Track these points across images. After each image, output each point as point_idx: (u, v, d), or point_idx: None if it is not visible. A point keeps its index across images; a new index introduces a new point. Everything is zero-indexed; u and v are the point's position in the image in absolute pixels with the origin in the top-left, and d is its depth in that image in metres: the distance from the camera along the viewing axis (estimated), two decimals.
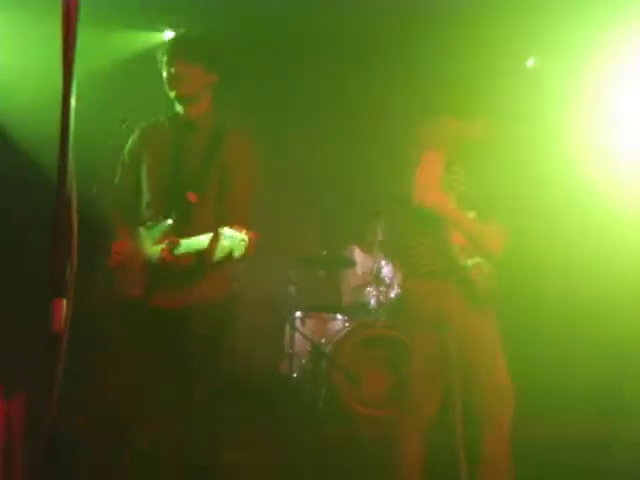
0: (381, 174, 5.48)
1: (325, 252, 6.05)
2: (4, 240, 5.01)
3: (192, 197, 3.37)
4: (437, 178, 3.42)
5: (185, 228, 3.21)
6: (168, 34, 6.83)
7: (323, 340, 5.66)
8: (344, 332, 5.54)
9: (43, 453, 1.87)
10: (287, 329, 5.86)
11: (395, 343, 5.40)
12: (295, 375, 5.72)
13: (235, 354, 5.80)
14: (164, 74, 3.31)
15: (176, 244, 3.19)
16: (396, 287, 5.78)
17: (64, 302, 1.82)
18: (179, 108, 3.44)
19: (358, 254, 6.09)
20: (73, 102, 1.84)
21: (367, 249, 6.05)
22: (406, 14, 5.99)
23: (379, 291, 5.76)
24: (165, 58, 3.30)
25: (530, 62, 6.29)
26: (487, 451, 3.38)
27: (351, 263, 6.10)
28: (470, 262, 3.41)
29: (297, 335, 5.73)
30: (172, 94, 3.33)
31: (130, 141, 3.56)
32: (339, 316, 5.86)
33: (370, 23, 6.05)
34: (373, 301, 5.77)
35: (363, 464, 4.38)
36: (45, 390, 1.79)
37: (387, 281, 5.77)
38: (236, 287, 5.77)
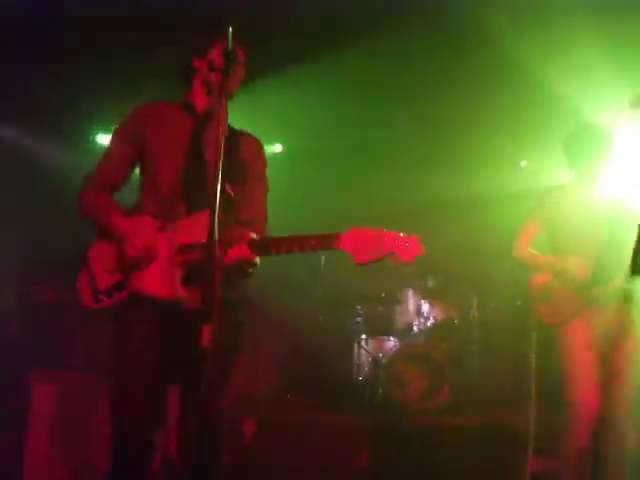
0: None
1: (383, 294, 6.32)
2: None
3: (229, 189, 2.42)
4: (525, 239, 3.57)
5: (227, 224, 2.28)
6: (277, 147, 6.79)
7: (381, 355, 5.99)
8: (395, 350, 5.89)
9: (193, 437, 1.95)
10: (355, 347, 6.17)
11: (429, 358, 5.73)
12: (361, 379, 6.08)
13: (321, 364, 6.12)
14: (225, 64, 2.13)
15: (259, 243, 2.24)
16: (432, 319, 6.14)
17: (211, 326, 1.83)
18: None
19: (407, 294, 6.38)
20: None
21: (414, 292, 6.35)
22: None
23: (419, 321, 6.20)
24: (233, 52, 2.13)
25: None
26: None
27: (401, 302, 6.36)
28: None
29: (362, 351, 6.12)
30: (228, 88, 2.23)
31: (127, 121, 2.61)
32: (392, 338, 6.17)
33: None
34: (415, 328, 6.20)
35: (406, 442, 4.52)
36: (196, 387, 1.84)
37: (425, 314, 6.21)
38: (321, 318, 6.05)
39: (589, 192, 3.44)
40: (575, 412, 3.24)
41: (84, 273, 2.51)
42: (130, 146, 2.57)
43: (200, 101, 2.59)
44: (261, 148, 2.72)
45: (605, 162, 3.43)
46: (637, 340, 3.11)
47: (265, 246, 2.24)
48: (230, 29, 2.13)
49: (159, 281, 2.34)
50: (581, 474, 3.16)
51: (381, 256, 2.07)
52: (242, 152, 2.61)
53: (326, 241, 2.14)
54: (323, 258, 6.30)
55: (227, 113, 2.07)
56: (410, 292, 6.38)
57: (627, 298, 2.78)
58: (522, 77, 5.03)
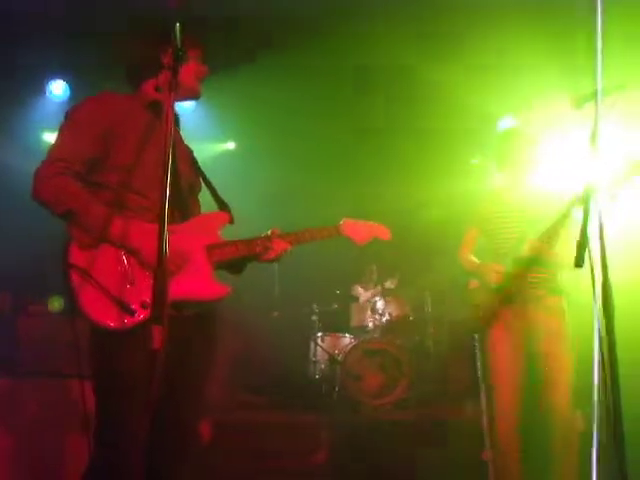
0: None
1: (338, 291, 6.41)
2: None
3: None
4: (465, 245, 3.58)
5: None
6: (230, 144, 6.76)
7: (336, 352, 6.03)
8: (351, 346, 5.87)
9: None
10: (312, 344, 6.20)
11: (385, 353, 5.74)
12: (317, 376, 6.10)
13: (276, 361, 6.11)
14: (174, 61, 1.99)
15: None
16: (386, 315, 6.10)
17: (161, 328, 1.80)
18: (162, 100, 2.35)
19: (360, 291, 6.36)
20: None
21: (365, 287, 6.37)
22: None
23: (374, 318, 6.20)
24: (182, 49, 2.00)
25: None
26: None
27: (355, 299, 6.49)
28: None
29: (319, 349, 6.13)
30: (197, 92, 2.46)
31: (91, 108, 2.31)
32: (347, 335, 6.22)
33: None
34: (370, 324, 6.20)
35: (364, 438, 4.52)
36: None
37: (380, 311, 6.17)
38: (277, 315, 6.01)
39: (518, 193, 3.41)
40: (497, 419, 3.23)
41: (88, 288, 2.12)
42: (100, 139, 2.26)
43: (160, 97, 2.38)
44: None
45: (529, 163, 3.41)
46: (567, 338, 3.18)
47: (295, 237, 2.54)
48: (177, 25, 1.99)
49: (203, 283, 2.32)
50: (509, 468, 3.20)
51: (369, 239, 2.65)
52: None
53: (333, 230, 2.61)
54: None
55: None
56: (365, 289, 6.42)
57: None
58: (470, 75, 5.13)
